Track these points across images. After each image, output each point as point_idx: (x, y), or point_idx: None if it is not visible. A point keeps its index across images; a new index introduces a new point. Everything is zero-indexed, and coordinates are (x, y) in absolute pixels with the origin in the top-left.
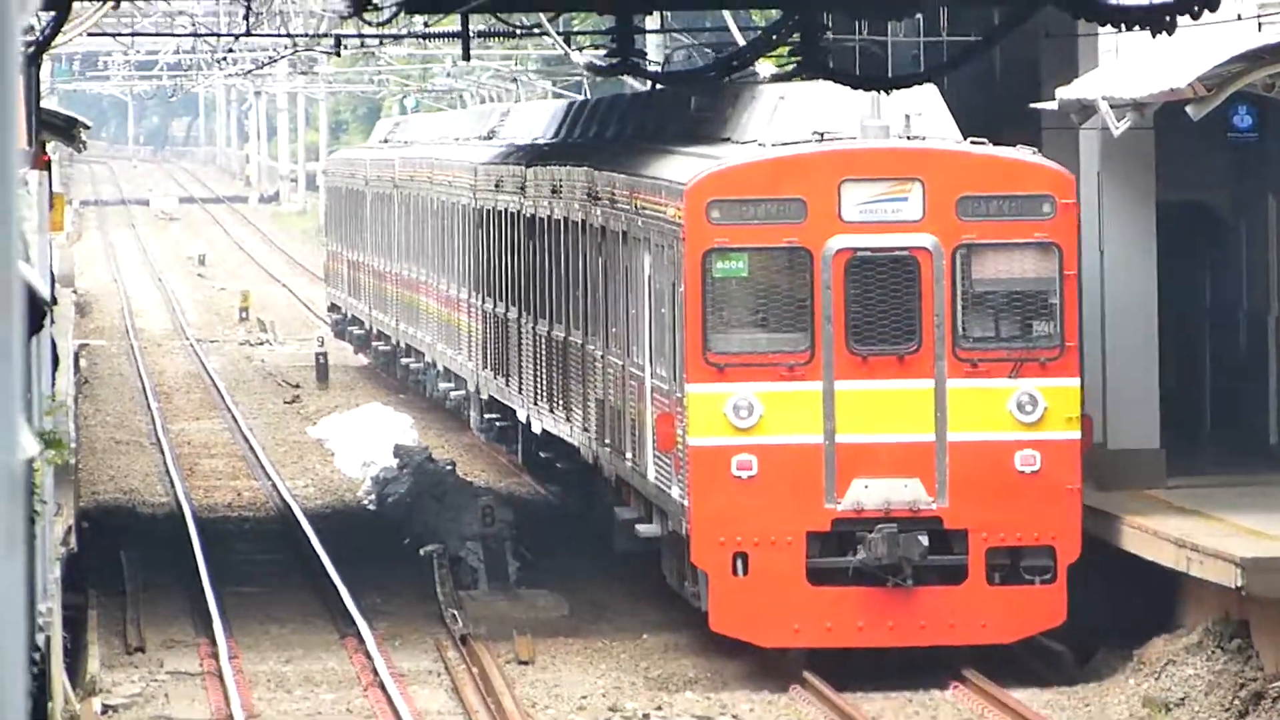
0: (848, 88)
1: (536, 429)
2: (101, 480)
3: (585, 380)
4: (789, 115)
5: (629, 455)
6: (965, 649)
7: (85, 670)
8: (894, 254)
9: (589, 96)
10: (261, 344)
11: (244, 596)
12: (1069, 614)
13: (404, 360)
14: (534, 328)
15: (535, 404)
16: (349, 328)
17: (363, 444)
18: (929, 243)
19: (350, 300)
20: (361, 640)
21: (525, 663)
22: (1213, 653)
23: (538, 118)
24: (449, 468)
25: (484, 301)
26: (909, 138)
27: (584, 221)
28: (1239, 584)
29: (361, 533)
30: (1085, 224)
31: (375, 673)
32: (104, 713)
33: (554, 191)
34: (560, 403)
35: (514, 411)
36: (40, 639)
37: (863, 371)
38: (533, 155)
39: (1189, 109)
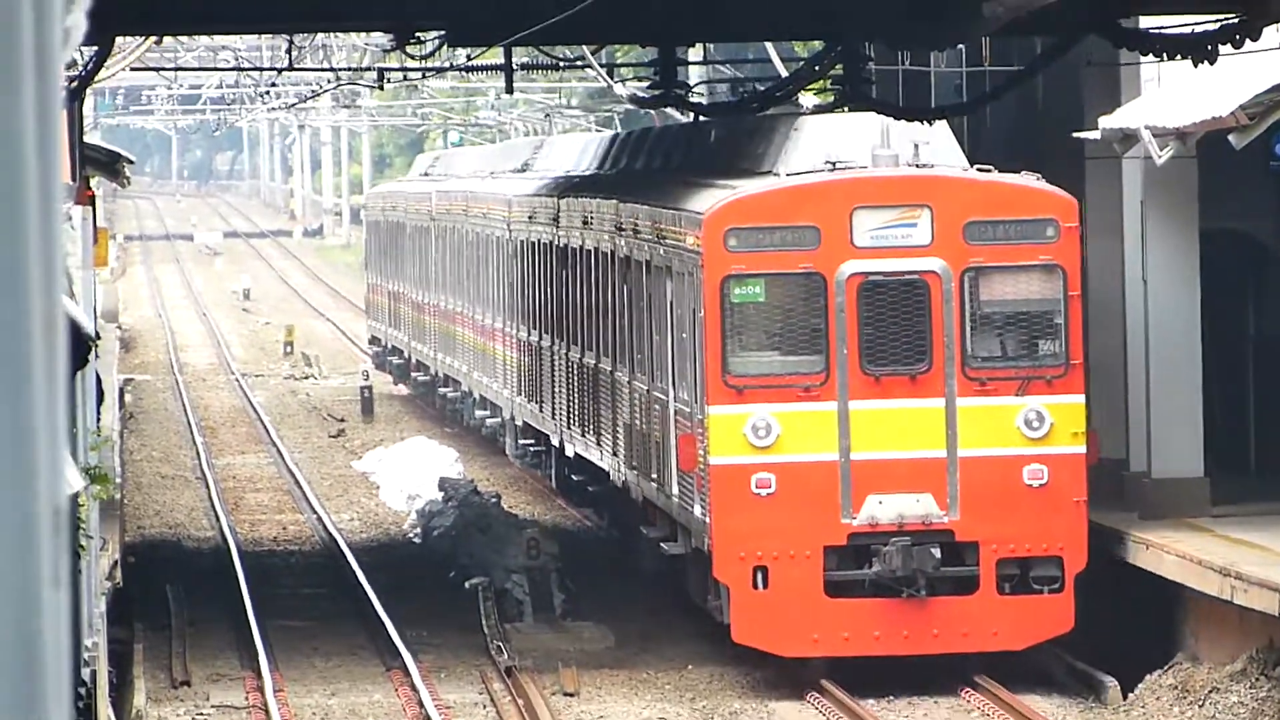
0: (889, 118)
1: (569, 453)
2: (147, 515)
3: (614, 406)
4: (802, 146)
5: (655, 476)
6: (988, 661)
7: (131, 705)
8: (905, 278)
9: (620, 130)
10: (306, 378)
11: (289, 630)
12: (1112, 642)
13: (442, 390)
14: (565, 355)
15: (568, 429)
16: (389, 358)
17: (408, 477)
18: (938, 266)
19: (390, 331)
20: (407, 673)
21: (570, 694)
22: (1256, 680)
23: (569, 151)
24: (494, 500)
25: (518, 330)
26: (918, 166)
27: (611, 252)
28: None
29: (407, 566)
30: (1128, 252)
31: (421, 705)
32: None
33: (585, 223)
34: (591, 427)
35: (547, 437)
36: (86, 674)
37: (876, 391)
38: (565, 188)
39: (1231, 137)
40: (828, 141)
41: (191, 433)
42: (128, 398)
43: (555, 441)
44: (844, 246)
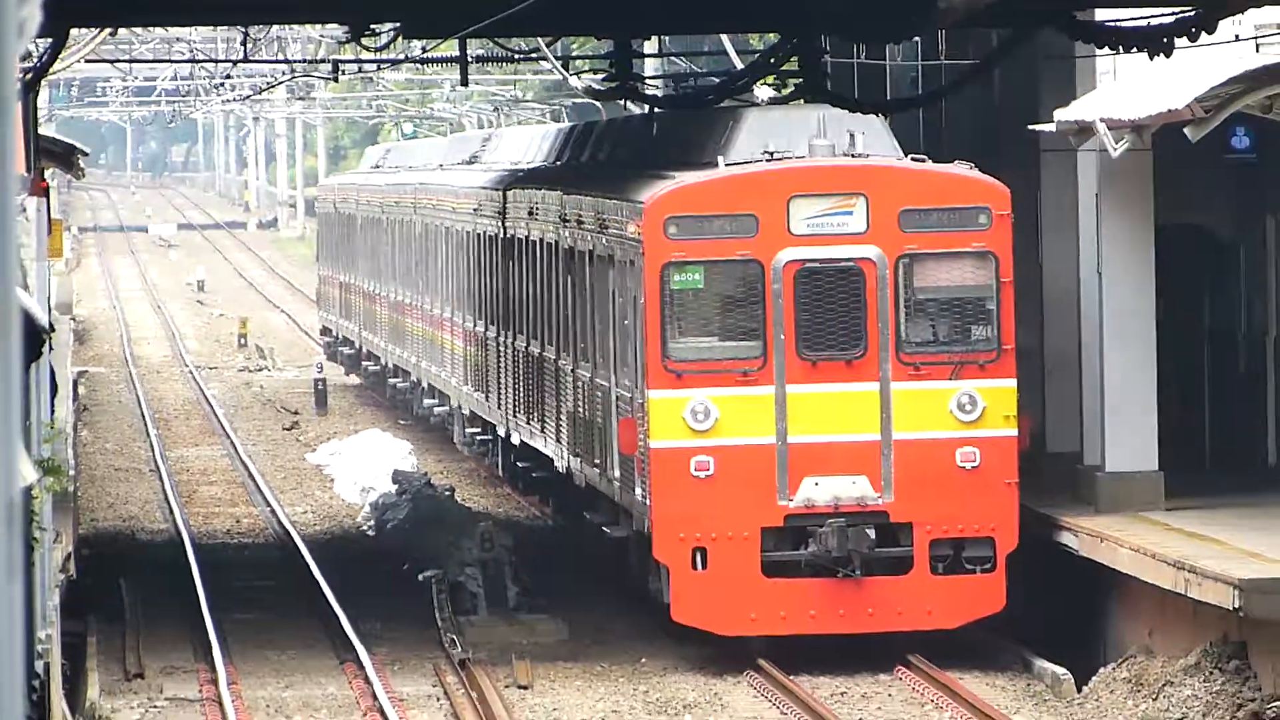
0: (831, 108)
1: (515, 441)
2: (100, 507)
3: (558, 394)
4: (742, 137)
5: (597, 461)
6: (935, 647)
7: (85, 697)
8: (840, 265)
9: (568, 122)
10: (260, 370)
11: (243, 623)
12: (1068, 637)
13: (392, 380)
14: (511, 345)
15: (513, 417)
16: (340, 349)
17: (362, 470)
18: (873, 254)
19: (342, 322)
20: (361, 665)
21: (524, 687)
22: (1211, 674)
23: (517, 144)
24: (448, 494)
25: (466, 321)
26: (853, 156)
27: (556, 242)
28: (1237, 605)
29: (361, 559)
30: (1083, 245)
31: (374, 698)
32: None
33: (530, 214)
34: (536, 415)
35: (494, 426)
36: (39, 666)
37: (812, 376)
38: (510, 180)
39: (1187, 130)
40: (766, 132)
41: (145, 425)
42: (82, 390)
43: (502, 430)
44: (781, 234)
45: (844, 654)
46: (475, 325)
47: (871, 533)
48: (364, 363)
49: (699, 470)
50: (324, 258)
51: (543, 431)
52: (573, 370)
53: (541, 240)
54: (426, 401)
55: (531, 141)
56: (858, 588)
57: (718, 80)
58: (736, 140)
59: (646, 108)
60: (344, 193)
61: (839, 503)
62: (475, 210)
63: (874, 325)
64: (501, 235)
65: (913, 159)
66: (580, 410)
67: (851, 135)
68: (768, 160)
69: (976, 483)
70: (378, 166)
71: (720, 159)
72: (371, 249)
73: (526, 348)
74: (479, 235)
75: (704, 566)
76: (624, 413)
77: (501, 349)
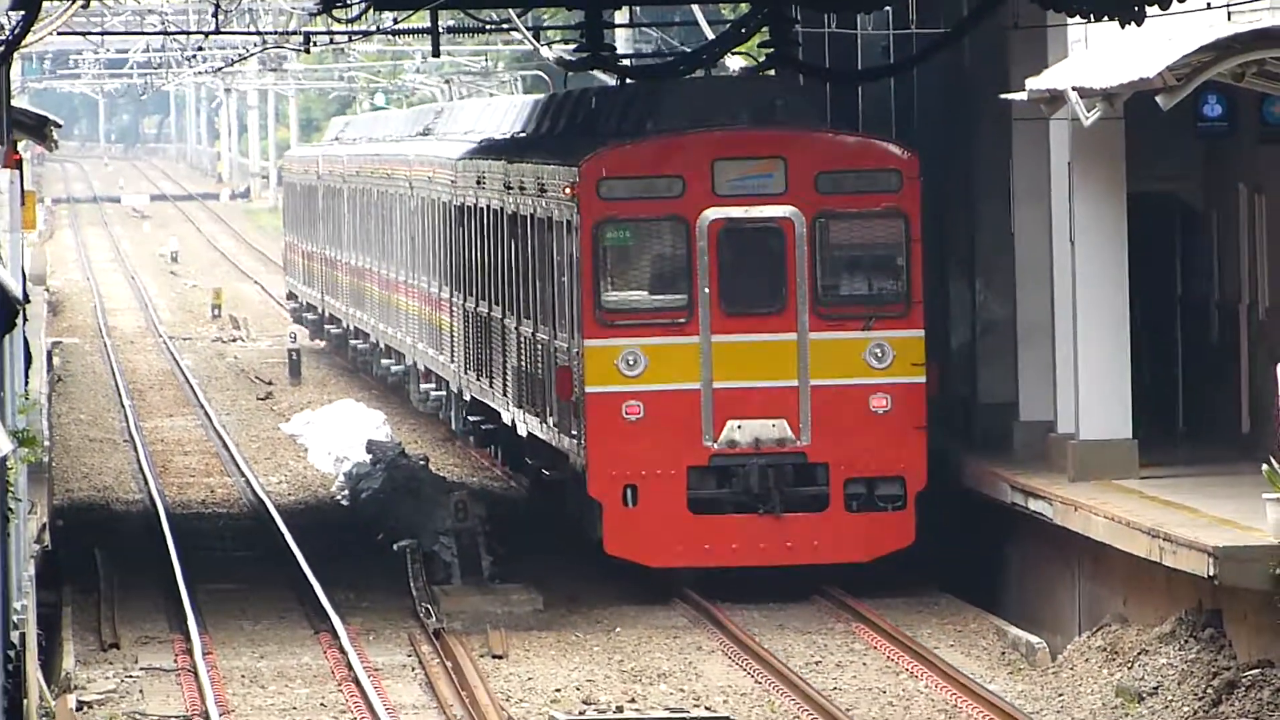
0: (820, 80)
1: (467, 397)
2: (75, 478)
3: (504, 350)
4: (672, 106)
5: (538, 410)
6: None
7: (60, 667)
8: (761, 224)
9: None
10: (234, 341)
11: (218, 593)
12: (1035, 604)
13: (353, 342)
14: (463, 306)
15: (465, 374)
16: (305, 314)
17: (336, 440)
18: (791, 213)
19: (305, 289)
20: (335, 635)
21: (499, 657)
22: (1185, 642)
23: (468, 116)
24: (422, 463)
25: (420, 283)
26: (775, 123)
27: (501, 208)
28: (1211, 573)
29: (335, 528)
30: (1055, 215)
31: (349, 667)
32: (79, 709)
33: (478, 183)
34: (485, 372)
35: (448, 383)
36: (15, 636)
37: (735, 327)
38: (461, 151)
39: (1159, 99)
40: (694, 101)
41: (120, 396)
42: (56, 361)
43: (454, 386)
44: (706, 195)
45: (775, 591)
46: (429, 287)
47: (790, 472)
48: (326, 326)
49: (630, 414)
50: (289, 226)
51: (491, 387)
52: (517, 328)
53: (488, 207)
54: (384, 362)
55: (482, 114)
56: (777, 523)
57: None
58: (666, 109)
59: (618, 79)
60: (305, 164)
61: (760, 444)
62: (429, 180)
63: (792, 280)
64: (453, 203)
65: (831, 128)
66: (523, 364)
67: (773, 103)
68: (694, 126)
69: (888, 426)
70: (338, 139)
71: (650, 126)
72: (332, 217)
73: (476, 308)
74: (432, 203)
75: (634, 503)
76: (561, 363)
77: (454, 310)
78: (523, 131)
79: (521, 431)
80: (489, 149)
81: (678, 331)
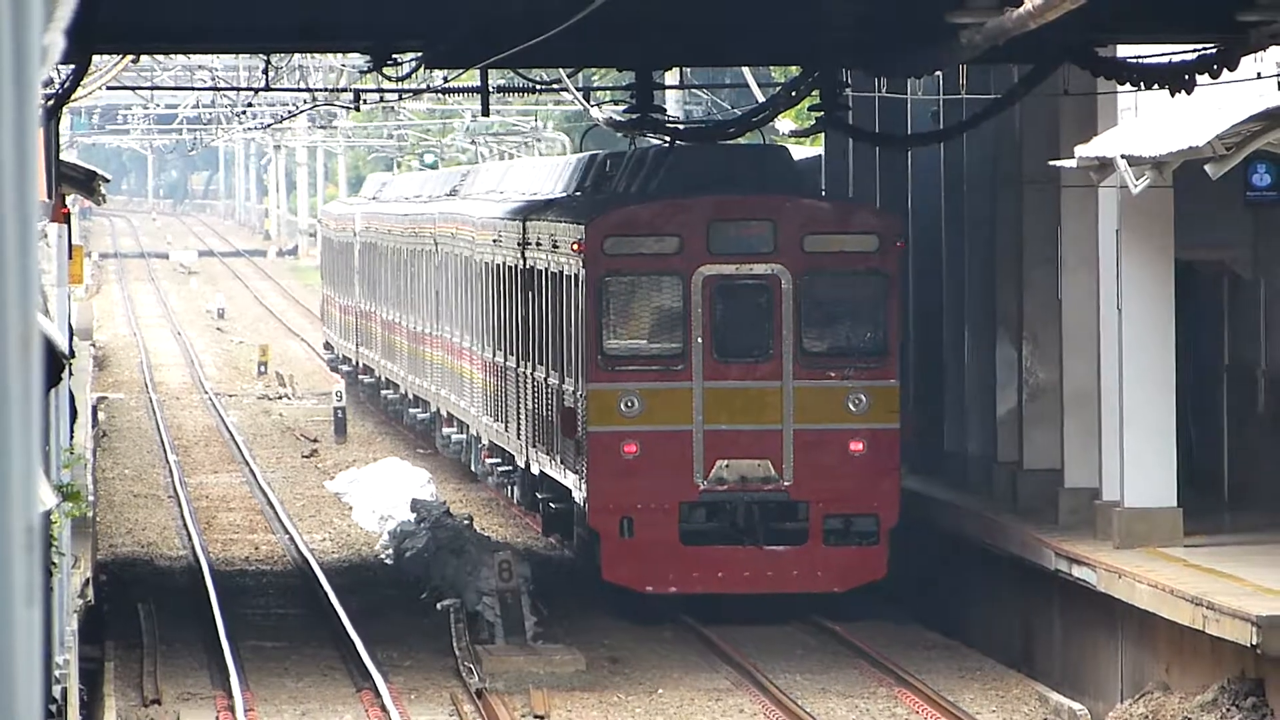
0: (869, 144)
1: (485, 441)
2: (119, 533)
3: (519, 396)
4: (671, 170)
5: (547, 449)
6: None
7: None
8: (751, 280)
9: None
10: (280, 398)
11: (261, 650)
12: (1078, 671)
13: (384, 392)
14: (481, 355)
15: (483, 418)
16: (341, 365)
17: (380, 498)
18: (779, 271)
19: (341, 341)
20: (378, 694)
21: (541, 717)
22: (1228, 710)
23: (491, 177)
24: (466, 522)
25: (443, 334)
26: (764, 189)
27: (516, 265)
28: (1255, 642)
29: (378, 587)
30: (1103, 282)
31: None
32: None
33: (495, 241)
34: (501, 415)
35: (468, 426)
36: (57, 691)
37: (725, 374)
38: (483, 210)
39: (1208, 168)
40: (691, 166)
41: (164, 451)
42: (101, 416)
43: (474, 431)
44: (701, 254)
45: (818, 652)
46: (452, 338)
47: (773, 509)
48: (360, 376)
49: (627, 452)
50: (326, 279)
51: (507, 430)
52: (530, 374)
53: (504, 263)
54: (412, 410)
55: (505, 176)
56: (760, 554)
57: (738, 114)
58: (666, 172)
59: (667, 140)
60: (342, 221)
61: (746, 482)
62: (452, 236)
63: (779, 332)
64: (473, 258)
65: (819, 195)
66: (534, 407)
67: (761, 169)
68: (691, 190)
69: (864, 468)
70: (375, 196)
71: (651, 189)
72: (366, 272)
73: (493, 357)
74: (456, 259)
75: (630, 534)
76: (567, 404)
77: (474, 359)
78: (539, 193)
79: (534, 470)
80: (508, 208)
81: (673, 377)
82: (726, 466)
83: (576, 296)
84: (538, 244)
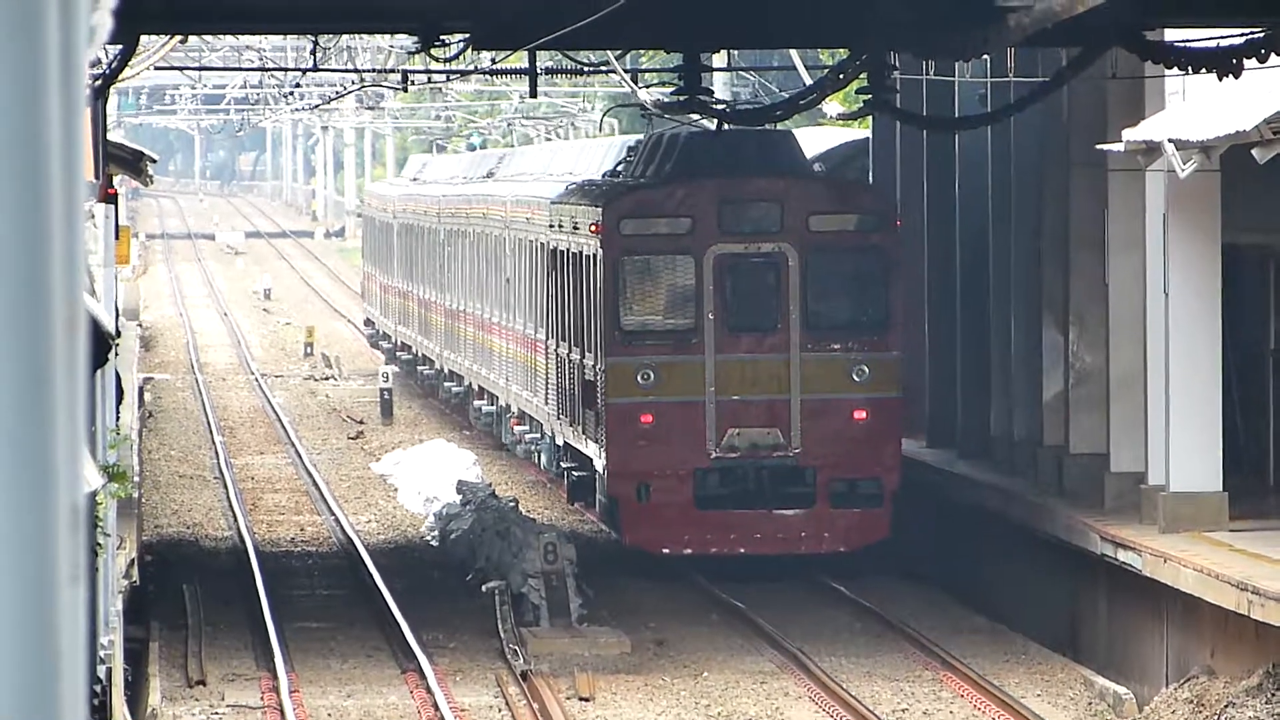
0: (915, 127)
1: (514, 410)
2: (164, 514)
3: (546, 370)
4: (684, 155)
5: (570, 420)
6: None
7: (146, 703)
8: (759, 258)
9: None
10: (326, 379)
11: (306, 631)
12: (1123, 655)
13: (420, 368)
14: (510, 330)
15: (510, 389)
16: (381, 341)
17: (426, 480)
18: (786, 249)
19: (381, 317)
20: (423, 675)
21: (586, 699)
22: (1273, 695)
23: (524, 161)
24: (512, 504)
25: (477, 311)
26: (772, 169)
27: (545, 244)
28: None
29: (424, 569)
30: (1150, 266)
31: (436, 708)
32: None
33: (527, 221)
34: (530, 387)
35: (497, 399)
36: (102, 671)
37: (736, 347)
38: (515, 192)
39: (1255, 151)
40: (703, 150)
41: (210, 432)
42: (147, 396)
43: (504, 402)
44: (713, 233)
45: (863, 633)
46: (484, 314)
47: (782, 473)
48: (399, 353)
49: (644, 422)
50: (367, 258)
51: (533, 398)
52: (555, 349)
53: (534, 242)
54: (446, 384)
55: (537, 159)
56: (770, 517)
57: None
58: (679, 156)
59: (715, 122)
60: (383, 202)
61: (756, 449)
62: (484, 217)
63: (786, 307)
64: (507, 239)
65: (821, 173)
66: (559, 381)
67: (769, 153)
68: (703, 173)
69: (867, 434)
70: (416, 178)
71: (665, 172)
72: (405, 252)
73: (523, 331)
74: (488, 239)
75: (647, 499)
76: (588, 378)
77: (506, 334)
78: (571, 175)
79: (559, 440)
80: (538, 191)
81: (687, 351)
82: (738, 434)
83: (596, 275)
84: (560, 226)
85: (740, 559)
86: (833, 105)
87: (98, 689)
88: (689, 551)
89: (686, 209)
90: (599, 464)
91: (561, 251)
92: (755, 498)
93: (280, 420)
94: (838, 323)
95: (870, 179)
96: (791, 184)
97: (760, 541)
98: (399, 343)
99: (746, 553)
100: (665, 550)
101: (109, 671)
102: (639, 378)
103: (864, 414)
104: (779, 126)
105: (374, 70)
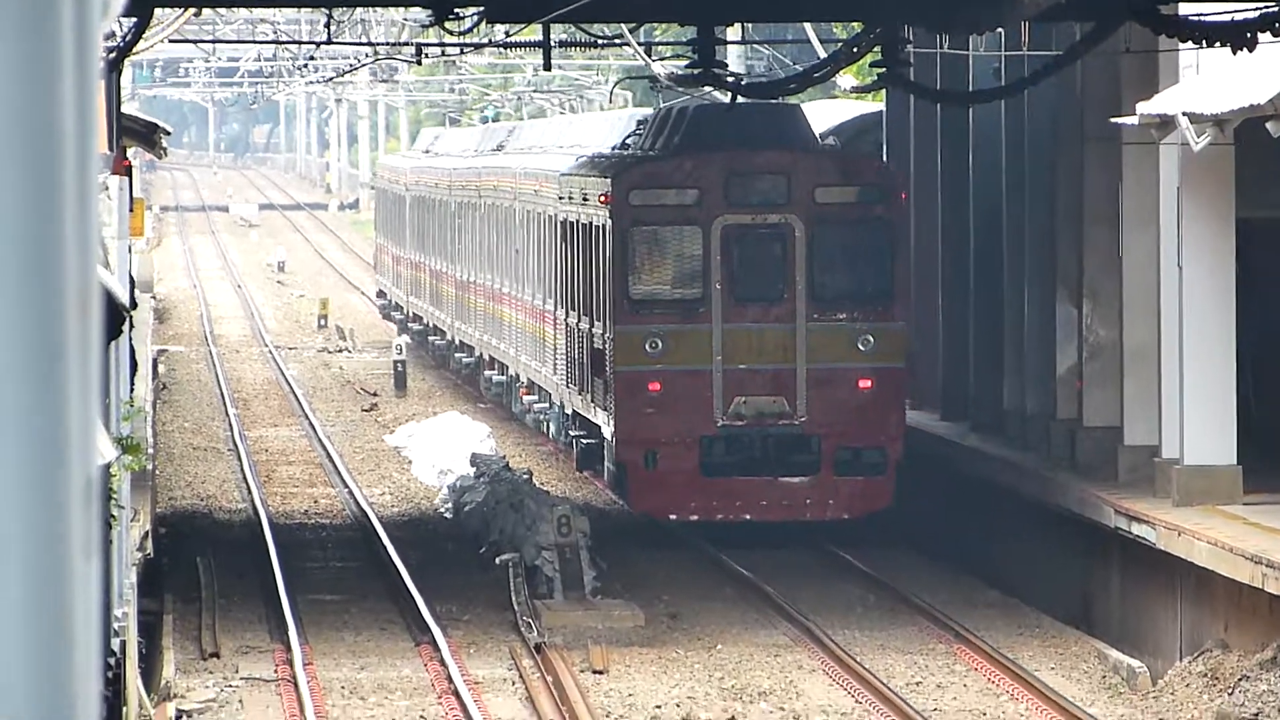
0: (920, 98)
1: (523, 379)
2: (178, 486)
3: (555, 339)
4: (692, 128)
5: (578, 388)
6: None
7: (160, 675)
8: (766, 229)
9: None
10: (340, 351)
11: (319, 603)
12: (1137, 628)
13: (431, 338)
14: (521, 300)
15: (519, 359)
16: (393, 312)
17: (440, 452)
18: (792, 220)
19: (393, 288)
20: (436, 648)
21: (599, 672)
22: None
23: (533, 133)
24: (525, 477)
25: (487, 281)
26: (779, 142)
27: (555, 215)
28: None
29: (437, 541)
30: (1164, 240)
31: (449, 680)
32: (178, 718)
33: (536, 193)
34: (538, 356)
35: (507, 368)
36: (115, 644)
37: (743, 317)
38: (525, 165)
39: (1269, 125)
40: (711, 122)
41: (224, 405)
42: (161, 369)
43: (513, 371)
44: (720, 204)
45: (876, 608)
46: (495, 285)
47: (787, 442)
48: (410, 324)
49: (651, 390)
50: (380, 229)
51: (543, 367)
52: (564, 319)
53: (544, 214)
54: (457, 355)
55: (545, 132)
56: (775, 484)
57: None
58: (687, 129)
59: (729, 95)
60: (396, 174)
61: (762, 417)
62: (495, 189)
63: (792, 277)
64: (516, 211)
65: (827, 145)
66: (568, 349)
67: (776, 126)
68: (710, 145)
69: (872, 403)
70: (428, 151)
71: (674, 144)
72: (417, 223)
73: (533, 301)
74: (498, 210)
75: (654, 466)
76: (596, 346)
77: (516, 305)
78: (580, 148)
79: (568, 409)
80: (547, 163)
81: (694, 320)
82: (744, 403)
83: (605, 246)
84: (570, 198)
85: (745, 525)
86: (846, 79)
87: (111, 661)
88: (695, 518)
89: (694, 180)
90: (607, 431)
91: (571, 223)
92: (761, 465)
93: (294, 392)
94: (843, 293)
95: (884, 153)
96: (798, 156)
97: (765, 508)
98: (410, 314)
99: (752, 519)
100: (672, 516)
101: (123, 644)
102: (647, 346)
103: (869, 383)
104: (793, 100)
105: (388, 43)
